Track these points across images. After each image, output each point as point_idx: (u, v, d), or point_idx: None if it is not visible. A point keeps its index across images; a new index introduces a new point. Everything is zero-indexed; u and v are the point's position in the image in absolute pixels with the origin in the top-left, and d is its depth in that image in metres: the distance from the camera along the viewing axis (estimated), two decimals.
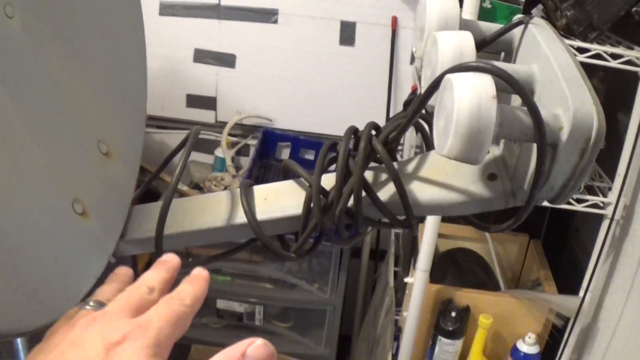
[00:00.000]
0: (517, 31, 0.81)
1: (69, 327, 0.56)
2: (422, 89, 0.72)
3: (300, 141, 3.04)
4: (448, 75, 0.64)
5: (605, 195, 1.86)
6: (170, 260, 0.66)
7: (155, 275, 0.63)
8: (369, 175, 0.80)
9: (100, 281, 0.74)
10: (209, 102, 3.10)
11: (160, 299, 0.59)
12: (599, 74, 2.09)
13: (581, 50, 1.67)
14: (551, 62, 0.69)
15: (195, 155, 3.20)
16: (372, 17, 2.85)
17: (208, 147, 3.17)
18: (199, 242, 0.87)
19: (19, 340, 1.02)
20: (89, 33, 0.79)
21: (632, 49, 1.71)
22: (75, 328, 0.55)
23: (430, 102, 0.72)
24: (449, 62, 0.69)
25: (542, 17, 1.81)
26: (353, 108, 3.01)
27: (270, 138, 3.04)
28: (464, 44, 0.71)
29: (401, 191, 0.74)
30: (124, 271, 0.69)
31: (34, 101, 0.67)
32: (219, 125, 3.10)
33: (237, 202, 0.83)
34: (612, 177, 1.84)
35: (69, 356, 0.52)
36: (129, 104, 0.89)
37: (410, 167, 0.81)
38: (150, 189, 0.80)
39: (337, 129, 0.86)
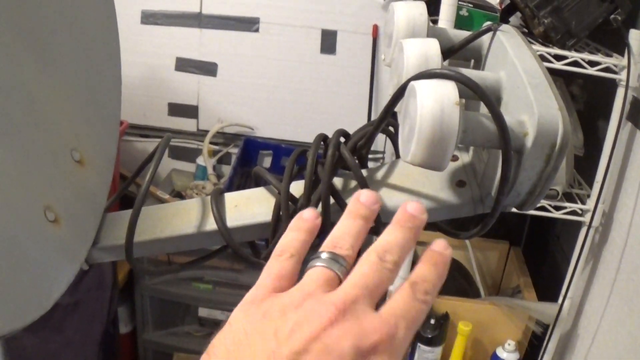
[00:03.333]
0: (486, 38, 0.81)
1: (305, 295, 0.50)
2: (390, 96, 0.73)
3: (282, 149, 3.03)
4: (412, 82, 0.64)
5: (583, 203, 1.86)
6: (418, 216, 0.57)
7: (400, 241, 0.56)
8: (338, 182, 0.80)
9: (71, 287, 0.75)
10: (190, 111, 3.09)
11: (404, 285, 0.53)
12: (579, 82, 2.10)
13: (559, 58, 1.68)
14: (518, 69, 0.70)
15: (177, 164, 3.19)
16: (353, 25, 2.85)
17: (190, 155, 3.17)
18: (170, 250, 0.87)
19: None
20: (62, 43, 0.79)
21: (610, 56, 1.72)
22: (318, 310, 0.48)
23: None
24: (414, 69, 0.69)
25: (521, 25, 1.83)
26: (334, 116, 3.02)
27: (251, 146, 3.04)
28: (429, 51, 0.71)
29: None
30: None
31: (6, 111, 0.67)
32: (201, 134, 3.10)
33: (208, 209, 0.83)
34: (590, 184, 1.84)
35: (314, 358, 0.46)
36: (102, 112, 0.89)
37: (379, 174, 0.81)
38: (129, 196, 0.80)
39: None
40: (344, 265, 0.53)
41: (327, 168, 0.75)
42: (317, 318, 0.47)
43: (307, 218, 0.60)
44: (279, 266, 0.55)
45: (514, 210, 0.75)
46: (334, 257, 0.53)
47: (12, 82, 0.69)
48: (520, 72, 0.69)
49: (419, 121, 0.61)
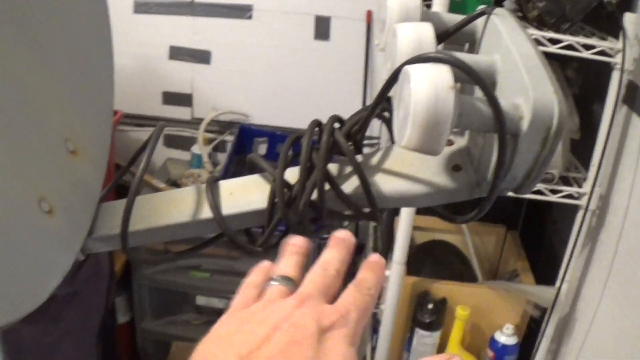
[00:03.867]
0: (480, 22, 0.80)
1: (268, 302, 0.61)
2: (384, 81, 0.72)
3: (277, 136, 3.03)
4: (406, 67, 0.64)
5: (580, 186, 1.86)
6: (347, 239, 0.70)
7: (337, 256, 0.68)
8: (333, 168, 0.80)
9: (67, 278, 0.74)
10: (184, 99, 3.09)
11: (350, 286, 0.64)
12: (574, 65, 2.09)
13: (553, 41, 1.67)
14: (512, 52, 0.69)
15: (172, 153, 3.19)
16: (346, 11, 2.85)
17: (185, 144, 3.16)
18: (166, 238, 0.87)
19: None
20: (53, 32, 0.78)
21: (605, 39, 1.72)
22: (281, 305, 0.59)
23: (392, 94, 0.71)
24: (408, 54, 0.69)
25: (515, 9, 1.83)
26: (329, 102, 3.02)
27: (246, 134, 3.04)
28: (423, 36, 0.71)
29: (364, 183, 0.74)
30: (302, 242, 0.72)
31: None
32: (195, 122, 3.10)
33: (203, 197, 0.82)
34: (587, 167, 1.84)
35: (284, 333, 0.55)
36: (96, 102, 0.89)
37: (374, 160, 0.81)
38: (125, 185, 0.80)
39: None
40: (293, 283, 0.65)
41: (321, 154, 0.75)
42: (282, 308, 0.58)
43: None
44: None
45: (510, 194, 0.75)
46: (286, 278, 0.65)
47: (3, 73, 0.69)
48: (515, 55, 0.69)
49: (413, 106, 0.60)
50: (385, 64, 0.76)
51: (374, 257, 0.68)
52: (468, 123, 0.65)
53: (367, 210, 0.78)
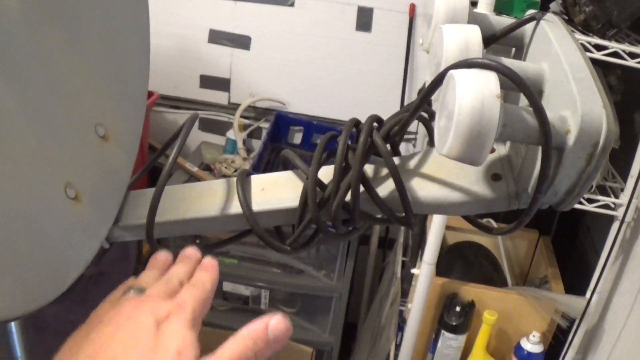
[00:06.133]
0: (528, 27, 0.78)
1: (120, 307, 0.65)
2: (428, 82, 0.70)
3: (313, 126, 3.01)
4: (451, 71, 0.61)
5: (617, 196, 1.83)
6: (193, 256, 0.76)
7: (183, 270, 0.73)
8: (369, 169, 0.78)
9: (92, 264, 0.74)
10: (222, 84, 3.08)
11: (185, 285, 0.70)
12: (617, 72, 2.06)
13: (598, 48, 1.64)
14: (561, 62, 0.67)
15: (207, 136, 3.19)
16: (389, 3, 2.81)
17: (220, 128, 3.16)
18: (193, 231, 0.86)
19: (12, 324, 1.01)
20: (88, 16, 0.77)
21: None
22: (126, 307, 0.65)
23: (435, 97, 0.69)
24: (454, 57, 0.67)
25: (561, 12, 1.79)
26: (367, 95, 2.99)
27: (282, 122, 3.02)
28: (470, 39, 0.68)
29: (400, 188, 0.72)
30: (164, 258, 0.77)
31: (29, 84, 0.66)
32: (232, 107, 3.09)
33: (234, 191, 0.81)
34: (625, 177, 1.81)
35: (125, 329, 0.61)
36: (129, 87, 0.87)
37: (412, 163, 0.78)
38: (159, 168, 0.79)
39: (350, 115, 0.85)
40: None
41: (358, 154, 0.73)
42: (124, 310, 0.65)
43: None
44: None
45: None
46: (138, 289, 0.69)
47: (36, 56, 0.67)
48: (564, 64, 0.66)
49: (457, 113, 0.58)
50: (430, 65, 0.74)
51: (206, 260, 0.75)
52: (512, 134, 0.63)
53: (401, 215, 0.75)
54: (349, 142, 0.75)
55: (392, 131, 0.76)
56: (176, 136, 0.83)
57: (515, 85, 0.61)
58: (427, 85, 0.69)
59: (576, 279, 2.17)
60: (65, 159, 0.71)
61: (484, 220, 2.34)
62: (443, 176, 0.76)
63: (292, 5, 2.87)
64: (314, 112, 3.07)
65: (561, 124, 0.63)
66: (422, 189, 0.76)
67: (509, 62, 0.71)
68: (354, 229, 0.80)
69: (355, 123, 0.77)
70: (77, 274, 0.72)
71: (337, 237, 0.80)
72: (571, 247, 2.46)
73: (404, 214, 0.75)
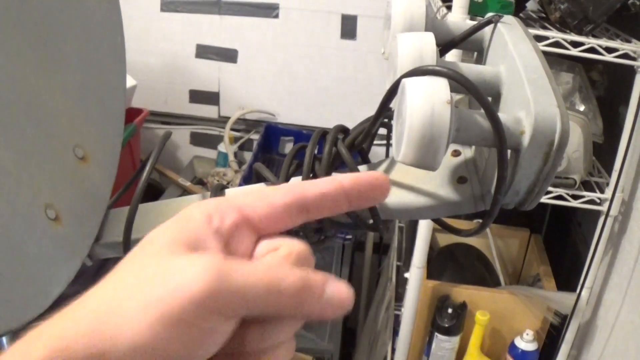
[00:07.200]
0: (488, 30, 0.80)
1: None
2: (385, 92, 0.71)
3: (303, 135, 3.03)
4: (403, 80, 0.63)
5: (602, 191, 1.84)
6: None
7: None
8: None
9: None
10: (211, 98, 3.10)
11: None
12: (599, 67, 2.07)
13: (575, 44, 1.65)
14: (516, 63, 0.68)
15: (199, 151, 3.21)
16: (373, 10, 2.84)
17: (211, 142, 3.17)
18: None
19: (4, 339, 1.02)
20: (64, 39, 0.78)
21: (629, 41, 1.69)
22: None
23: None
24: (408, 65, 0.68)
25: (538, 10, 1.81)
26: (355, 102, 3.01)
27: (273, 133, 3.04)
28: (424, 47, 0.69)
29: None
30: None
31: (5, 108, 0.67)
32: (222, 120, 3.11)
33: None
34: (610, 172, 1.81)
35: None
36: (107, 108, 0.89)
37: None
38: (153, 184, 0.80)
39: (339, 123, 0.86)
40: None
41: (323, 164, 0.74)
42: None
43: None
44: None
45: None
46: None
47: (13, 79, 0.69)
48: (518, 66, 0.68)
49: (409, 121, 0.60)
50: (388, 74, 0.75)
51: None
52: (467, 138, 0.64)
53: (370, 221, 0.77)
54: (317, 153, 0.77)
55: (357, 140, 0.77)
56: (148, 157, 0.84)
57: (465, 89, 0.63)
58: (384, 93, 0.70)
59: (568, 277, 2.17)
60: (44, 180, 0.72)
61: (474, 221, 2.36)
62: (409, 181, 0.77)
63: (276, 17, 2.89)
64: (304, 121, 3.09)
65: (516, 125, 0.64)
66: (389, 195, 0.77)
67: (466, 66, 0.72)
68: (325, 237, 0.81)
69: (323, 133, 0.79)
70: (59, 291, 0.74)
71: (309, 245, 0.81)
72: (563, 244, 2.47)
73: (372, 221, 0.77)
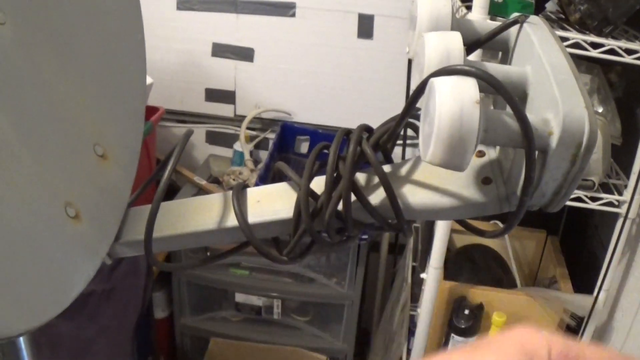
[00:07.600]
0: (513, 30, 0.79)
1: None
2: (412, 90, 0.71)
3: (319, 135, 3.02)
4: (431, 79, 0.62)
5: (620, 194, 1.83)
6: None
7: None
8: (361, 178, 0.79)
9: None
10: (227, 96, 3.09)
11: None
12: (617, 69, 2.06)
13: (595, 46, 1.64)
14: (543, 64, 0.68)
15: (214, 149, 3.20)
16: (390, 9, 2.82)
17: (227, 141, 3.17)
18: (192, 245, 0.87)
19: (21, 340, 1.03)
20: (84, 37, 0.78)
21: None
22: None
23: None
24: (435, 65, 0.67)
25: (557, 12, 1.80)
26: (371, 102, 2.99)
27: (289, 132, 3.03)
28: (451, 46, 0.69)
29: (390, 195, 0.73)
30: None
31: (26, 107, 0.67)
32: (238, 119, 3.10)
33: (230, 205, 0.82)
34: (628, 174, 1.81)
35: None
36: (126, 106, 0.89)
37: (403, 170, 0.79)
38: (170, 183, 0.80)
39: (356, 123, 0.86)
40: None
41: (347, 164, 0.74)
42: None
43: None
44: None
45: None
46: None
47: (33, 78, 0.69)
48: (546, 66, 0.67)
49: (437, 121, 0.59)
50: (414, 74, 0.75)
51: None
52: (495, 139, 0.64)
53: (394, 221, 0.76)
54: (340, 153, 0.76)
55: (382, 140, 0.77)
56: (171, 154, 0.84)
57: (495, 89, 0.62)
58: (411, 93, 0.70)
59: (585, 279, 2.17)
60: (64, 179, 0.72)
61: (491, 222, 2.35)
62: (434, 182, 0.77)
63: (293, 15, 2.88)
64: (320, 120, 3.08)
65: (544, 126, 0.63)
66: (413, 196, 0.76)
67: (492, 66, 0.71)
68: (348, 237, 0.81)
69: (346, 133, 0.78)
70: (79, 290, 0.73)
71: (332, 245, 0.81)
72: (579, 246, 2.46)
73: (396, 221, 0.76)
